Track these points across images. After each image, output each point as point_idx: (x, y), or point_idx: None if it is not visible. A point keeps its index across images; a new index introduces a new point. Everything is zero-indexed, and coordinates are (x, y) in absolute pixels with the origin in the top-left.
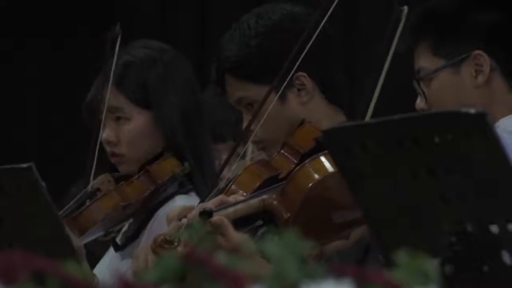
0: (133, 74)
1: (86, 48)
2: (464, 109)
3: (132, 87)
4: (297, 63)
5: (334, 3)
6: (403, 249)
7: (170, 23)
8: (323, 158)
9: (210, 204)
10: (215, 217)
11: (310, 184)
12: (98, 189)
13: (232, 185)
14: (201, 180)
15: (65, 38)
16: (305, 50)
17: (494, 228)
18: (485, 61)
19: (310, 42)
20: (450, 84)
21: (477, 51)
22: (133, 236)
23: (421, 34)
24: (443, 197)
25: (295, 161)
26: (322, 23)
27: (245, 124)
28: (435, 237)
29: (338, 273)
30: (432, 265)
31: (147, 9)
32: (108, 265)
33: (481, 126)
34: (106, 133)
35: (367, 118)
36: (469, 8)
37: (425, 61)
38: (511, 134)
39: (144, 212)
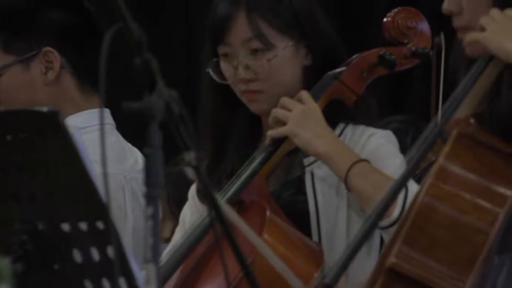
0: None
1: None
2: (36, 108)
3: None
4: None
5: None
6: None
7: None
8: None
9: None
10: None
11: None
12: None
13: None
14: None
15: None
16: None
17: (65, 227)
18: (55, 58)
19: None
20: (20, 81)
21: (47, 48)
22: None
23: None
24: (15, 196)
25: None
26: None
27: None
28: (6, 235)
29: None
30: (4, 263)
31: None
32: None
33: (53, 125)
34: None
35: None
36: (39, 5)
37: None
38: (81, 130)
39: None
